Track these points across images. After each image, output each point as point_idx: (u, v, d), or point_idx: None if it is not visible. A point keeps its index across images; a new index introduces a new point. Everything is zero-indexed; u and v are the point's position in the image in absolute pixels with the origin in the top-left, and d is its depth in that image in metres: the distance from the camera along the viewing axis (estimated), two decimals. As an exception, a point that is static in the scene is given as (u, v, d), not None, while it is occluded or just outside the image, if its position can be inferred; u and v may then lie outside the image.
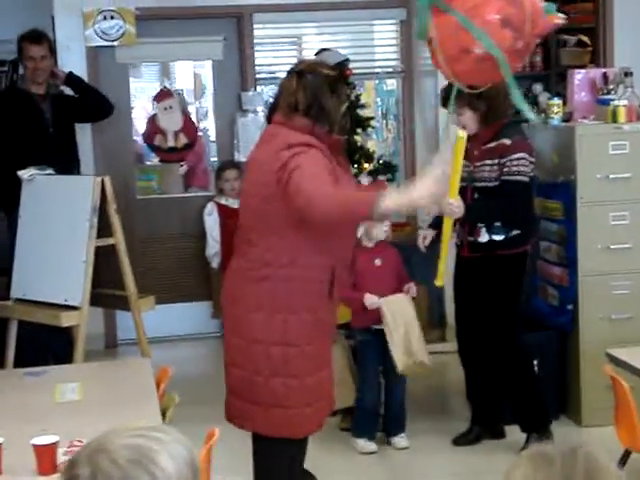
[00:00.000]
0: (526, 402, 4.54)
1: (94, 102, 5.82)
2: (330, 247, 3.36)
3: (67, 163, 5.41)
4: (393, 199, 3.08)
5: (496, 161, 4.36)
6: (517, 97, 3.12)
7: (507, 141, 4.35)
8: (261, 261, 3.35)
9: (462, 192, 4.37)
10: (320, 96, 3.36)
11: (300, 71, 3.45)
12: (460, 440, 4.66)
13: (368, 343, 4.62)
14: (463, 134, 3.61)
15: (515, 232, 4.42)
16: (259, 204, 3.33)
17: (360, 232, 4.42)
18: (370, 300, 4.50)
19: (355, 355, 4.83)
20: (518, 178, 4.33)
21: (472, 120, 4.39)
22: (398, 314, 4.52)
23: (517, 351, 4.52)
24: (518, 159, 4.32)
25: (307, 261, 3.32)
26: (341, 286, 3.50)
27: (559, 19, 3.09)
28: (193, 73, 8.09)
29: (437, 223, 4.28)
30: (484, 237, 4.42)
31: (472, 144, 4.30)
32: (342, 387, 4.77)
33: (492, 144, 4.39)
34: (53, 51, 5.77)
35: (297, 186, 3.17)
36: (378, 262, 4.59)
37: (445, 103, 4.47)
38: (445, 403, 5.43)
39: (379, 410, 4.70)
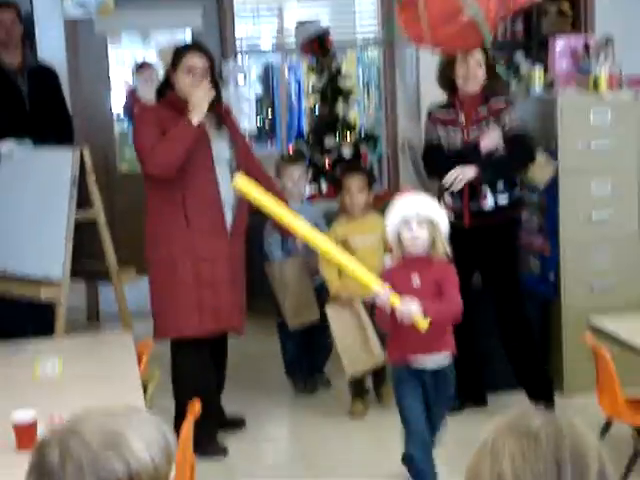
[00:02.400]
0: (534, 368, 4.56)
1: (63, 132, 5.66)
2: (176, 182, 4.05)
3: (45, 138, 5.27)
4: (197, 115, 3.98)
5: (491, 119, 4.41)
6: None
7: (501, 102, 4.44)
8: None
9: (457, 159, 4.41)
10: (169, 74, 4.20)
11: None
12: None
13: (404, 379, 3.65)
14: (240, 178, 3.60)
15: (517, 193, 4.46)
16: None
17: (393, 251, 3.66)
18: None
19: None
20: (522, 131, 4.41)
21: (482, 78, 4.43)
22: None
23: (525, 317, 4.54)
24: (516, 113, 4.43)
25: (160, 194, 4.11)
26: (204, 218, 4.10)
27: None
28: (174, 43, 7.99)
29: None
30: (490, 201, 4.41)
31: (462, 113, 4.45)
32: (363, 351, 4.52)
33: (484, 108, 4.43)
34: (22, 21, 5.64)
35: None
36: (416, 282, 3.55)
37: (442, 81, 4.49)
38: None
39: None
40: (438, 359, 3.61)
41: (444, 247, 3.57)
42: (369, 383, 4.79)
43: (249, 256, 4.48)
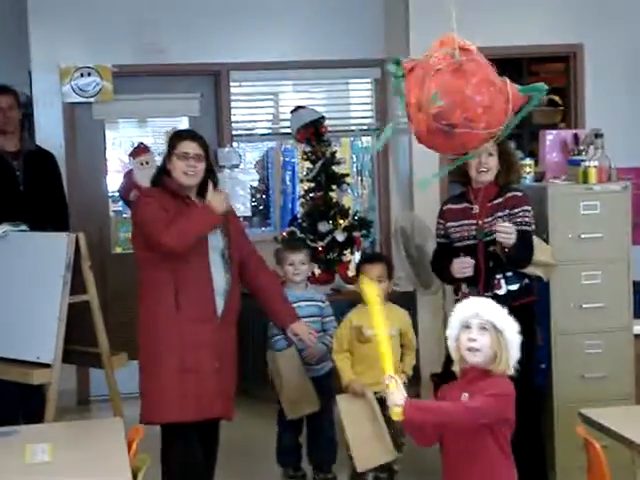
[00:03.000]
0: (532, 462, 4.47)
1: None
2: (169, 266, 4.12)
3: (40, 221, 5.24)
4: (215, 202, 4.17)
5: (506, 212, 4.43)
6: None
7: (518, 193, 4.48)
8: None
9: (473, 249, 4.46)
10: (165, 161, 4.29)
11: None
12: None
13: None
14: (371, 283, 3.40)
15: (526, 281, 4.51)
16: None
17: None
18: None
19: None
20: (530, 228, 4.45)
21: (496, 168, 4.48)
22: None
23: (532, 409, 4.47)
24: (529, 211, 4.46)
25: (153, 278, 4.20)
26: (194, 304, 4.13)
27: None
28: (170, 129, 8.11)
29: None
30: (503, 289, 4.44)
31: (475, 204, 4.50)
32: (376, 445, 4.35)
33: (499, 199, 4.48)
34: (21, 106, 5.73)
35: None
36: (465, 398, 3.14)
37: (455, 174, 4.58)
38: (421, 463, 5.39)
39: None
40: None
41: (507, 363, 3.11)
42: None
43: (247, 342, 4.47)
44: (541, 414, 4.89)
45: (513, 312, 4.32)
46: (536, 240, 4.60)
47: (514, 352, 3.15)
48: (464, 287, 4.52)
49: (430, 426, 3.12)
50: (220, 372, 4.21)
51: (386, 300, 4.52)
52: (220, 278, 4.22)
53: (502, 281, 4.45)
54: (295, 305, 4.61)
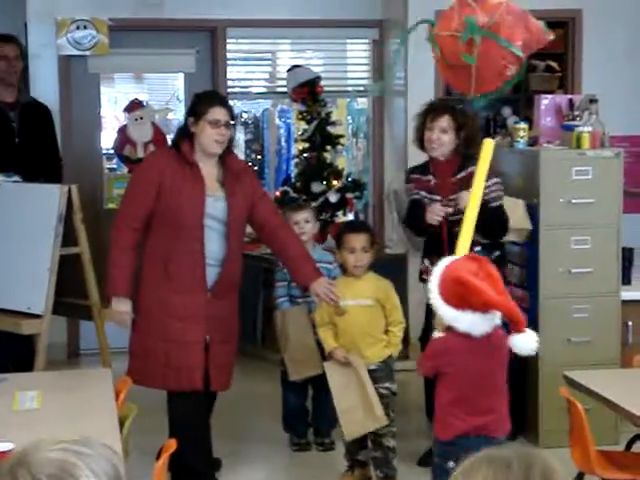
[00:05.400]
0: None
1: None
2: (163, 235, 4.14)
3: (33, 173, 5.24)
4: (112, 311, 4.16)
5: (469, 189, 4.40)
6: None
7: None
8: None
9: (436, 227, 4.44)
10: (188, 123, 4.18)
11: None
12: (424, 460, 4.65)
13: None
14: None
15: (496, 253, 4.50)
16: None
17: None
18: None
19: None
20: (500, 202, 4.44)
21: (451, 144, 4.45)
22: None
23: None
24: (495, 184, 4.41)
25: (148, 243, 4.19)
26: (183, 276, 4.12)
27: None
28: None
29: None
30: None
31: (437, 179, 4.49)
32: (362, 411, 4.26)
33: (462, 174, 4.44)
34: (24, 57, 5.73)
35: None
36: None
37: (418, 143, 4.56)
38: (405, 422, 5.44)
39: None
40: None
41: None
42: (365, 456, 4.47)
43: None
44: (525, 379, 4.94)
45: None
46: (508, 203, 4.60)
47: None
48: (426, 262, 4.54)
49: None
50: (213, 345, 4.20)
51: (368, 269, 4.39)
52: (216, 247, 4.18)
53: None
54: None
